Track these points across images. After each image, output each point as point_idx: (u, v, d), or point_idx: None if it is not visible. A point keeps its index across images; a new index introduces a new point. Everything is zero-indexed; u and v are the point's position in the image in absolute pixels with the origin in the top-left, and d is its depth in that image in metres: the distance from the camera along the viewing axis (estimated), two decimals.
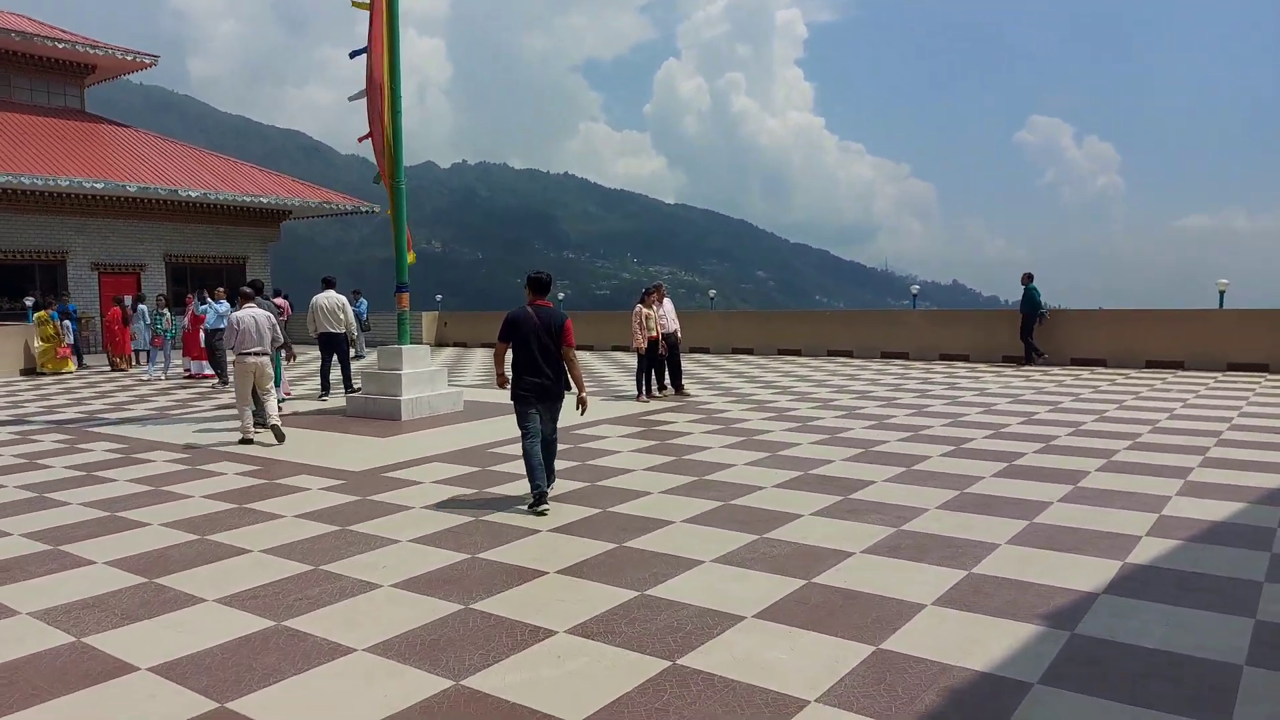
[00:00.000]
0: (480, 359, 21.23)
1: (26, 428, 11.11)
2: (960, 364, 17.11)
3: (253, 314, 9.65)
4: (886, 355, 18.59)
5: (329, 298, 13.51)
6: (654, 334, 12.37)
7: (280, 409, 10.55)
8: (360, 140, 11.62)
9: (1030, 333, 16.25)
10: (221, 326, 15.45)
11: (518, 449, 7.71)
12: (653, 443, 9.03)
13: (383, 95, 11.09)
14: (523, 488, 6.98)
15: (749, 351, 20.65)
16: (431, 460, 8.32)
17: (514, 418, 6.74)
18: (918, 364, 17.33)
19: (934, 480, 7.01)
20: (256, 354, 9.49)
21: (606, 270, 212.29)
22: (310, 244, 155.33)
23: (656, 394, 12.72)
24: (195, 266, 28.45)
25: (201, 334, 16.64)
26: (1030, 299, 16.23)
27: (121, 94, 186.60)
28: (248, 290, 10.21)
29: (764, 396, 12.62)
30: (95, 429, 10.88)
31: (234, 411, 10.60)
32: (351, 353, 14.29)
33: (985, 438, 8.84)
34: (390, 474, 7.76)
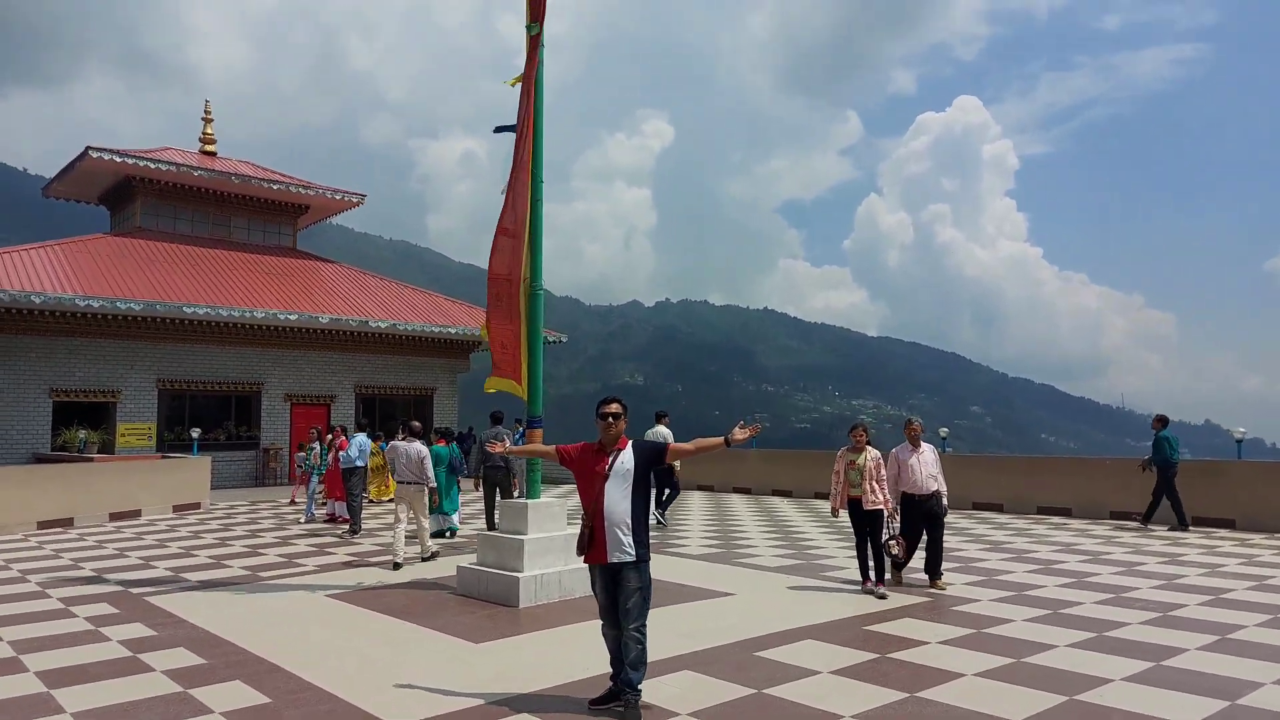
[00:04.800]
0: None
1: (90, 589, 9.12)
2: None
3: (404, 447, 10.57)
4: (1201, 522, 13.47)
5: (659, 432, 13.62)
6: (876, 496, 8.52)
7: (432, 547, 10.79)
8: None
9: (1173, 489, 13.00)
10: (358, 464, 13.50)
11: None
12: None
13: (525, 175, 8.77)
14: None
15: (997, 508, 16.05)
16: (523, 713, 5.10)
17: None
18: (1256, 538, 12.20)
19: None
20: (404, 483, 10.47)
21: (806, 404, 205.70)
22: None
23: (888, 580, 8.70)
24: (384, 398, 27.96)
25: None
26: (1163, 449, 13.07)
27: (371, 248, 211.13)
28: (415, 425, 11.03)
29: (1061, 594, 8.35)
30: (155, 598, 8.64)
31: (328, 577, 9.82)
32: (515, 493, 12.06)
33: None
34: None
